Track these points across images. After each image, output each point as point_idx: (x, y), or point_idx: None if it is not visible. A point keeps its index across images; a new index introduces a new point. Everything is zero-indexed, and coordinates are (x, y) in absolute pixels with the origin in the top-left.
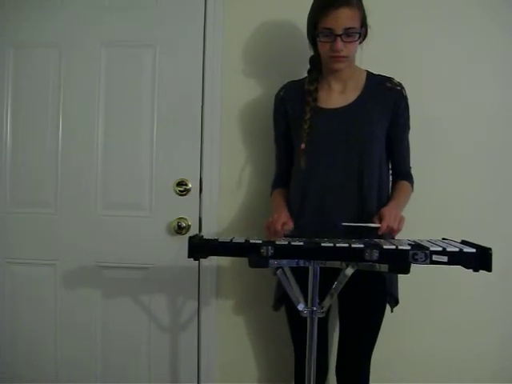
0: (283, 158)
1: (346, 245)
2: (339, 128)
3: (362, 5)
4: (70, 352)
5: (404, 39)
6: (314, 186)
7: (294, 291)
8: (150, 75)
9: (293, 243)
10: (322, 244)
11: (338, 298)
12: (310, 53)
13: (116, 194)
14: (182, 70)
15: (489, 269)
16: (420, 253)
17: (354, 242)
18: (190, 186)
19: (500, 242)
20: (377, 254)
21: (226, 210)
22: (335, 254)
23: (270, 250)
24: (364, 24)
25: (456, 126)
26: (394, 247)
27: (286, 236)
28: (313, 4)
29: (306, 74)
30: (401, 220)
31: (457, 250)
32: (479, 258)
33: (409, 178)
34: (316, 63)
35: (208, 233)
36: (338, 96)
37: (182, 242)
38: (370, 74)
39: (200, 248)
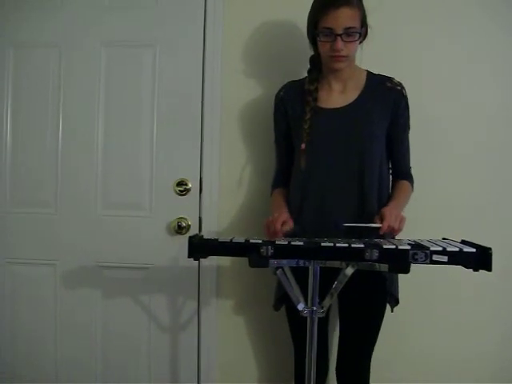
0: (283, 158)
1: (346, 245)
2: (339, 128)
3: (362, 4)
4: (70, 352)
5: (404, 39)
6: (314, 185)
7: (294, 291)
8: (150, 75)
9: (293, 243)
10: (322, 244)
11: (338, 297)
12: (310, 52)
13: (116, 194)
14: (182, 70)
15: (489, 269)
16: (420, 252)
17: (354, 242)
18: (190, 185)
19: (500, 242)
20: (377, 254)
21: (226, 210)
22: (335, 253)
23: (270, 250)
24: (364, 24)
25: (456, 126)
26: (394, 247)
27: (285, 235)
28: (313, 3)
29: (306, 74)
30: (402, 220)
31: (457, 249)
32: (479, 258)
33: (409, 178)
34: (316, 63)
35: (208, 233)
36: (338, 96)
37: (182, 242)
38: (370, 74)
39: (200, 248)
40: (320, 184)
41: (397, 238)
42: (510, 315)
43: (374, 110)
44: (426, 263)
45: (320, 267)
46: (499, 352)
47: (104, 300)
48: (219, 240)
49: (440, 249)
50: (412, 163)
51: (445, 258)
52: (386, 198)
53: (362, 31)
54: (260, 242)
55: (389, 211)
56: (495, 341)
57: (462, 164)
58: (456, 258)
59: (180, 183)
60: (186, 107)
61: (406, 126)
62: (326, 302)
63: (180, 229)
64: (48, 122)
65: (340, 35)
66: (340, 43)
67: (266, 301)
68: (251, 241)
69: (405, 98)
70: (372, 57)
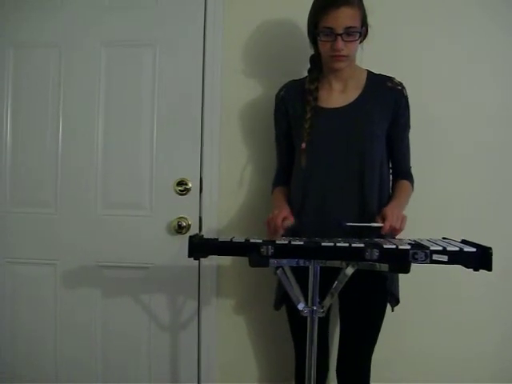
0: (284, 157)
1: (346, 244)
2: (340, 127)
3: (362, 4)
4: (70, 352)
5: (404, 39)
6: (314, 185)
7: (295, 291)
8: (150, 75)
9: (293, 242)
10: (322, 243)
11: (339, 297)
12: (311, 52)
13: (116, 194)
14: (182, 70)
15: (489, 268)
16: (420, 252)
17: (354, 242)
18: (190, 185)
19: (500, 242)
20: (377, 254)
21: (226, 210)
22: (335, 253)
23: (270, 250)
24: (364, 23)
25: (456, 126)
26: (394, 247)
27: (286, 231)
28: (313, 3)
29: (306, 74)
30: (403, 219)
31: (457, 249)
32: (479, 258)
33: (409, 178)
34: (316, 62)
35: (208, 232)
36: (338, 95)
37: (182, 242)
38: (370, 74)
39: (200, 247)
40: (320, 183)
41: (397, 237)
42: (510, 315)
43: (375, 110)
44: (426, 263)
45: (320, 267)
46: (499, 352)
47: (104, 300)
48: (219, 239)
49: (440, 248)
50: (412, 163)
51: (445, 258)
52: (386, 198)
53: (362, 31)
54: (260, 241)
55: (390, 211)
56: (495, 341)
57: (462, 164)
58: (456, 258)
59: (180, 183)
60: (186, 107)
61: (407, 126)
62: (327, 301)
63: (180, 228)
64: (48, 122)
65: (340, 35)
66: (340, 43)
67: (267, 300)
68: (251, 240)
69: (405, 97)
70: (372, 56)
